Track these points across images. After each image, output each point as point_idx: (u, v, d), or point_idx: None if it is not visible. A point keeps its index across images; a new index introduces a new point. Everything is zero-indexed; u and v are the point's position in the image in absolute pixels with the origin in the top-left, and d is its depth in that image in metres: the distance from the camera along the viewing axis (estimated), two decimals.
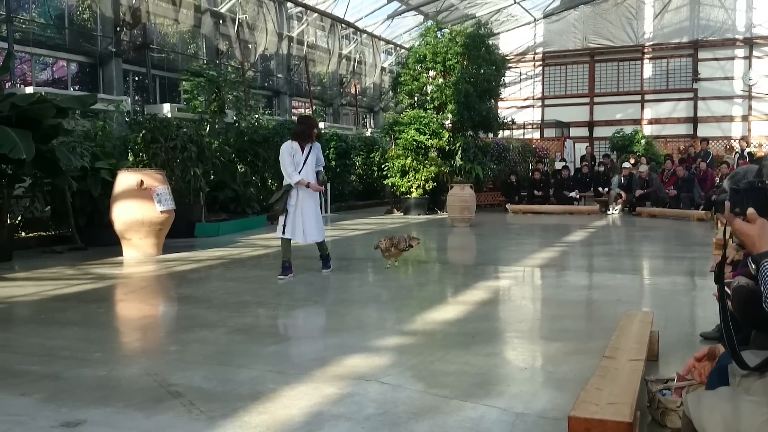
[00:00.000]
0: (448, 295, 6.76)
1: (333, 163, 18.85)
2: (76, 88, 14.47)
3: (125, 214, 9.13)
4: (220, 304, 6.06)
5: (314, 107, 20.57)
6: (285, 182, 7.34)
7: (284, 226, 7.28)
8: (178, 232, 10.32)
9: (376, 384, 3.75)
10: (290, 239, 7.33)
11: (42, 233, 10.67)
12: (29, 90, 11.39)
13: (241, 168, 14.84)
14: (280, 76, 21.31)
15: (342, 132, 20.38)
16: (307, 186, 7.31)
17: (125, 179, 9.25)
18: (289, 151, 7.30)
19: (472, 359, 4.24)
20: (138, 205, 9.11)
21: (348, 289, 6.93)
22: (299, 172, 7.26)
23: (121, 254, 9.22)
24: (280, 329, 5.08)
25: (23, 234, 10.43)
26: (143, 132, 11.42)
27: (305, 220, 7.32)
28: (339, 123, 23.15)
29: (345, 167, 19.28)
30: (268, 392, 3.64)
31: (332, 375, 3.92)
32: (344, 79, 24.34)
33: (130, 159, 11.41)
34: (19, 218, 10.59)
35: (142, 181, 9.17)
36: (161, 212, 9.24)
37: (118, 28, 15.06)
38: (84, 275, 7.79)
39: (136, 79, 16.43)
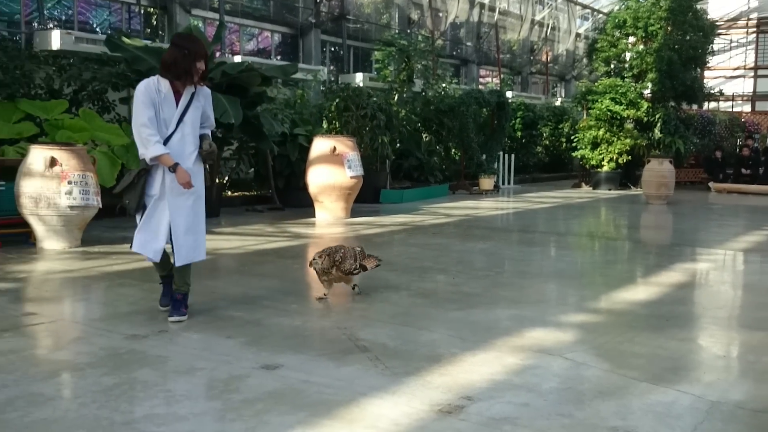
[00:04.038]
0: (639, 275, 6.42)
1: (519, 133, 18.53)
2: (278, 58, 15.38)
3: (318, 177, 9.62)
4: (402, 268, 6.24)
5: (502, 75, 20.25)
6: (140, 154, 4.22)
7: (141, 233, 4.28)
8: (364, 198, 10.72)
9: (560, 359, 3.68)
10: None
11: (245, 193, 11.56)
12: (238, 59, 12.30)
13: (426, 137, 15.04)
14: (469, 44, 21.20)
15: (530, 101, 19.95)
16: (172, 170, 4.14)
17: (320, 145, 9.72)
18: (148, 97, 4.13)
19: (665, 343, 4.01)
20: (330, 169, 9.55)
21: (530, 262, 6.82)
22: (168, 140, 4.18)
23: (313, 215, 9.76)
24: (460, 296, 5.13)
25: (229, 193, 11.36)
26: (337, 101, 11.91)
27: (173, 224, 4.24)
28: (527, 92, 22.64)
29: (531, 138, 18.89)
30: (449, 356, 3.69)
31: (513, 346, 3.89)
32: (535, 46, 23.71)
33: (324, 126, 11.97)
34: (227, 178, 11.56)
35: (334, 148, 9.59)
36: (351, 177, 9.63)
37: (318, 0, 15.75)
38: (281, 233, 8.35)
39: (333, 49, 17.13)
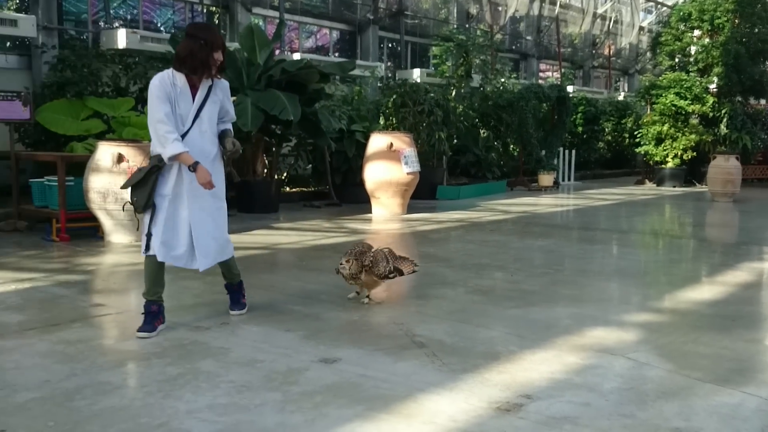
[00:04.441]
0: (704, 274, 6.23)
1: (580, 128, 18.20)
2: (336, 55, 15.49)
3: (375, 174, 9.65)
4: (459, 265, 6.21)
5: (563, 70, 19.91)
6: (153, 151, 4.00)
7: (149, 234, 3.96)
8: (420, 194, 10.70)
9: (622, 359, 3.60)
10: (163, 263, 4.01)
11: (303, 189, 11.69)
12: (296, 56, 12.43)
13: (484, 133, 14.91)
14: (528, 38, 20.92)
15: (591, 96, 19.56)
16: (192, 169, 3.89)
17: (377, 141, 9.76)
18: (164, 92, 3.91)
19: (731, 344, 3.89)
20: (387, 165, 9.57)
21: (591, 260, 6.69)
22: (184, 136, 3.94)
23: (370, 211, 9.81)
24: (518, 294, 5.07)
25: (288, 189, 11.51)
26: (394, 97, 11.92)
27: (195, 226, 4.00)
28: (589, 86, 22.21)
29: (593, 133, 18.52)
30: (508, 353, 3.66)
31: (574, 345, 3.83)
32: (597, 39, 23.23)
33: (381, 122, 12.00)
34: (285, 174, 11.72)
35: (391, 144, 9.61)
36: (407, 173, 9.63)
37: None
38: (338, 228, 8.42)
39: (390, 45, 17.15)
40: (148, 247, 3.94)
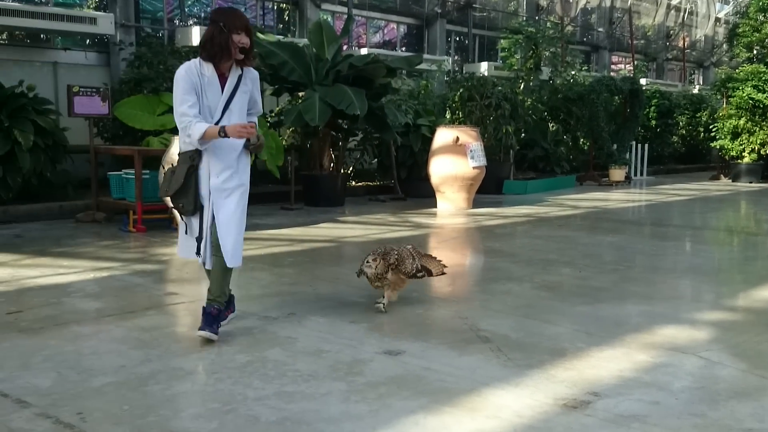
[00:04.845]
0: None
1: (653, 122, 17.69)
2: (403, 49, 15.49)
3: (441, 168, 9.63)
4: (525, 260, 6.14)
5: (636, 62, 19.38)
6: (182, 147, 3.77)
7: (199, 238, 3.78)
8: (486, 189, 10.62)
9: (693, 357, 3.50)
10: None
11: (369, 183, 11.77)
12: (364, 51, 12.51)
13: (553, 126, 14.67)
14: (600, 30, 20.44)
15: (665, 89, 18.98)
16: (223, 134, 3.59)
17: (443, 135, 9.73)
18: (189, 82, 3.65)
19: None
20: (453, 160, 9.53)
21: (663, 257, 6.51)
22: (218, 121, 3.70)
23: (435, 206, 9.79)
24: (587, 290, 4.98)
25: (353, 183, 11.60)
26: (461, 90, 11.85)
27: (222, 224, 3.72)
28: (662, 79, 21.56)
29: (666, 127, 17.98)
30: (575, 350, 3.61)
31: (644, 343, 3.74)
32: (671, 31, 22.50)
33: (448, 116, 11.95)
34: (351, 168, 11.82)
35: (457, 138, 9.56)
36: (473, 168, 9.57)
37: None
38: (403, 222, 8.44)
39: (458, 39, 17.05)
40: (198, 251, 3.76)
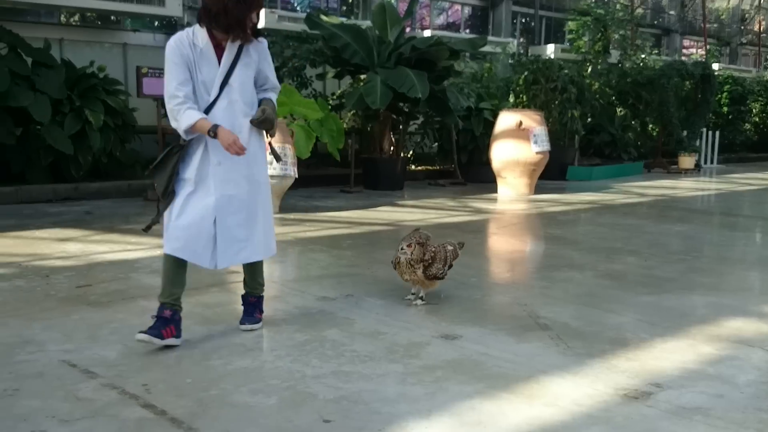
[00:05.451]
0: None
1: (725, 109, 17.06)
2: (467, 32, 15.32)
3: (503, 153, 9.51)
4: (588, 248, 6.03)
5: (708, 46, 18.67)
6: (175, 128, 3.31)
7: (154, 220, 3.37)
8: (550, 174, 10.44)
9: (761, 351, 3.38)
10: (183, 260, 3.35)
11: (429, 167, 11.72)
12: (427, 33, 12.42)
13: (620, 111, 14.28)
14: (672, 12, 19.76)
15: (739, 74, 18.26)
16: (213, 134, 3.18)
17: (505, 119, 9.59)
18: (180, 55, 3.20)
19: None
20: (515, 145, 9.40)
21: (732, 248, 6.29)
22: (210, 109, 3.25)
23: (495, 191, 9.69)
24: (652, 280, 4.85)
25: (413, 167, 11.58)
26: (525, 73, 11.65)
27: (219, 214, 3.29)
28: (736, 64, 20.72)
29: (739, 114, 17.30)
30: (638, 341, 3.53)
31: (710, 335, 3.63)
32: (747, 15, 21.57)
33: (511, 100, 11.78)
34: (411, 152, 11.79)
35: (521, 122, 9.42)
36: (536, 153, 9.42)
37: None
38: (462, 207, 8.39)
39: (524, 20, 16.75)
40: (149, 228, 3.36)
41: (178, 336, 3.29)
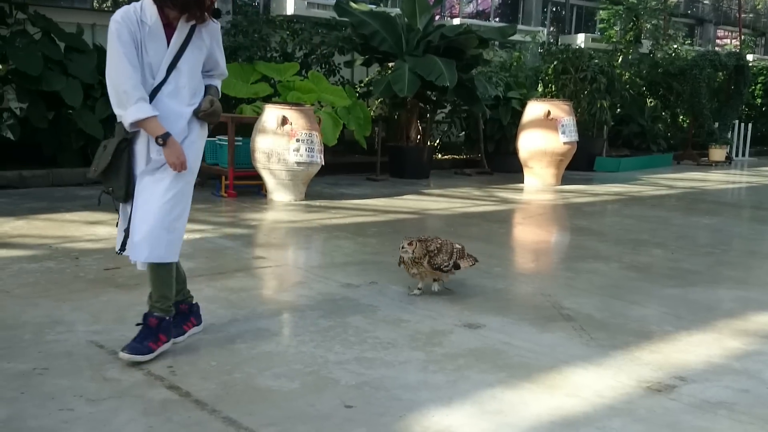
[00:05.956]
0: None
1: (758, 101, 16.71)
2: (497, 20, 15.19)
3: (530, 143, 9.44)
4: (614, 239, 5.98)
5: (743, 37, 18.30)
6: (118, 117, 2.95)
7: (127, 230, 3.04)
8: (577, 165, 10.32)
9: None
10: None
11: (455, 156, 11.67)
12: (456, 21, 12.34)
13: (651, 102, 14.08)
14: (706, 2, 19.38)
15: None
16: (161, 142, 2.87)
17: (533, 109, 9.51)
18: (127, 31, 2.86)
19: None
20: (543, 134, 9.32)
21: (762, 241, 6.20)
22: (155, 93, 2.93)
23: (522, 181, 9.63)
24: (678, 272, 4.80)
25: (439, 156, 11.54)
26: (555, 63, 11.53)
27: (138, 205, 2.97)
28: None
29: None
30: (662, 333, 3.50)
31: (736, 329, 3.59)
32: None
33: (540, 90, 11.67)
34: (437, 141, 11.75)
35: (549, 112, 9.33)
36: (564, 143, 9.33)
37: None
38: (488, 197, 8.35)
39: (554, 9, 16.56)
40: (122, 246, 3.04)
41: (198, 324, 3.31)
